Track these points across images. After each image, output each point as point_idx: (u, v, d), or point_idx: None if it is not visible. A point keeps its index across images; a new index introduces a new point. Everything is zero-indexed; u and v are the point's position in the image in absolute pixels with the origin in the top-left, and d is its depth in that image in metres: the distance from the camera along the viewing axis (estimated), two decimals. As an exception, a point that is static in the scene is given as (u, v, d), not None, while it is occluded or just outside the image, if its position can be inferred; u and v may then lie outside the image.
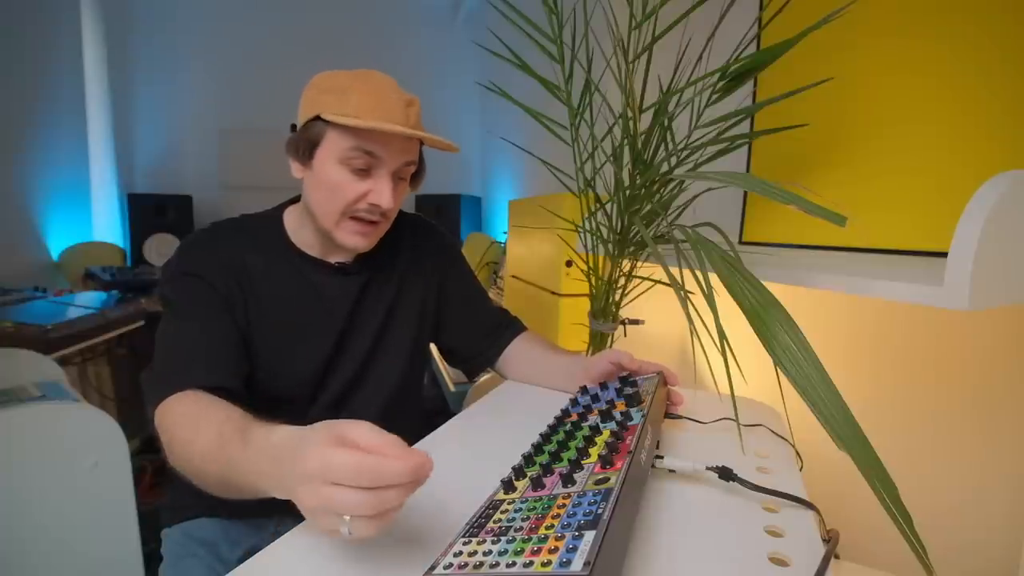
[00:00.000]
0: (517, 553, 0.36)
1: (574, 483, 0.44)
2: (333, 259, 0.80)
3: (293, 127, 0.74)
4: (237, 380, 0.69)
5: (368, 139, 0.69)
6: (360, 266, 0.82)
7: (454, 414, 0.78)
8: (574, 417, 0.62)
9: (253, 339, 0.74)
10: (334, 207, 0.72)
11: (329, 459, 0.37)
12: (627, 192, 1.03)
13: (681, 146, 0.98)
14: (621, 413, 0.58)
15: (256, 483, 0.47)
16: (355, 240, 0.74)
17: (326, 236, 0.75)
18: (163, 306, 0.72)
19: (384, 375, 0.84)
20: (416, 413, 0.91)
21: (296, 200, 0.81)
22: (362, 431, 0.39)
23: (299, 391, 0.78)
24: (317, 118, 0.70)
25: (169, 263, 0.75)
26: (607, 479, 0.43)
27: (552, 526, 0.38)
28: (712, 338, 0.60)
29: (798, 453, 0.67)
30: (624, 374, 0.72)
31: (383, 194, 0.71)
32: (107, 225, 3.66)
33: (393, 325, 0.85)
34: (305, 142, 0.72)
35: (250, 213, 0.83)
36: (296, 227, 0.80)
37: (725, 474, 0.54)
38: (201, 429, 0.55)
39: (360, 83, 0.70)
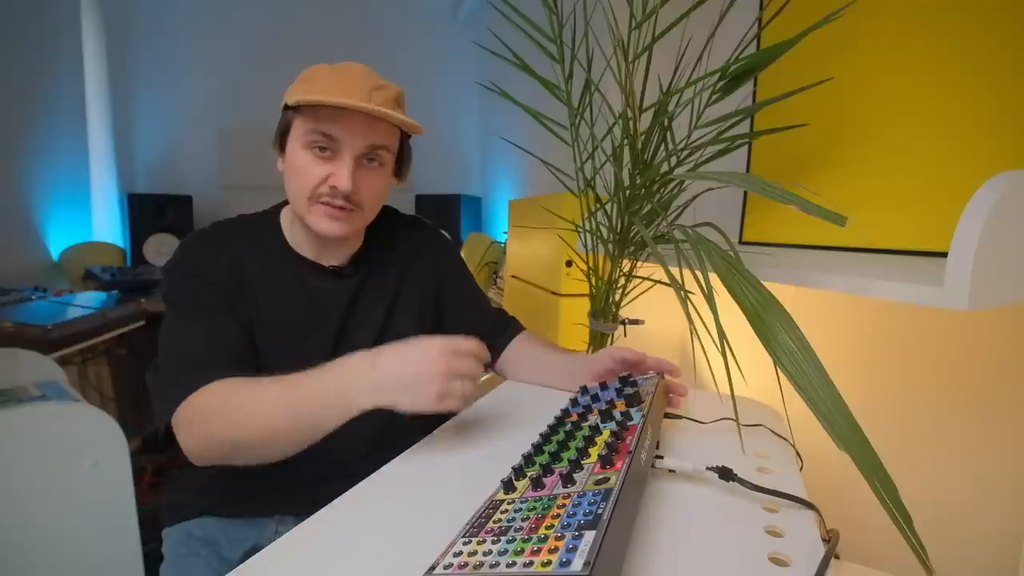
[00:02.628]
0: (517, 553, 0.36)
1: (574, 483, 0.44)
2: (327, 262, 0.80)
3: None
4: (251, 375, 0.69)
5: (326, 120, 0.69)
6: (355, 268, 0.82)
7: (454, 414, 0.78)
8: (574, 417, 0.62)
9: (254, 340, 0.74)
10: (301, 192, 0.73)
11: (455, 342, 0.59)
12: (627, 192, 1.03)
13: (681, 146, 0.98)
14: (621, 413, 0.58)
15: (341, 398, 0.57)
16: (325, 225, 0.73)
17: (306, 226, 0.75)
18: (167, 307, 0.73)
19: None
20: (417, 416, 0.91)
21: None
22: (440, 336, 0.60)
23: None
24: (285, 107, 0.72)
25: (169, 264, 0.75)
26: (607, 479, 0.43)
27: (552, 526, 0.38)
28: (712, 338, 0.60)
29: (798, 453, 0.67)
30: (624, 374, 0.72)
31: (340, 177, 0.70)
32: (107, 225, 3.65)
33: (392, 327, 0.84)
34: (278, 131, 0.74)
35: (247, 213, 0.83)
36: (290, 227, 0.80)
37: (725, 474, 0.54)
38: (258, 390, 0.60)
39: (330, 71, 0.71)
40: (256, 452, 0.61)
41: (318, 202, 0.72)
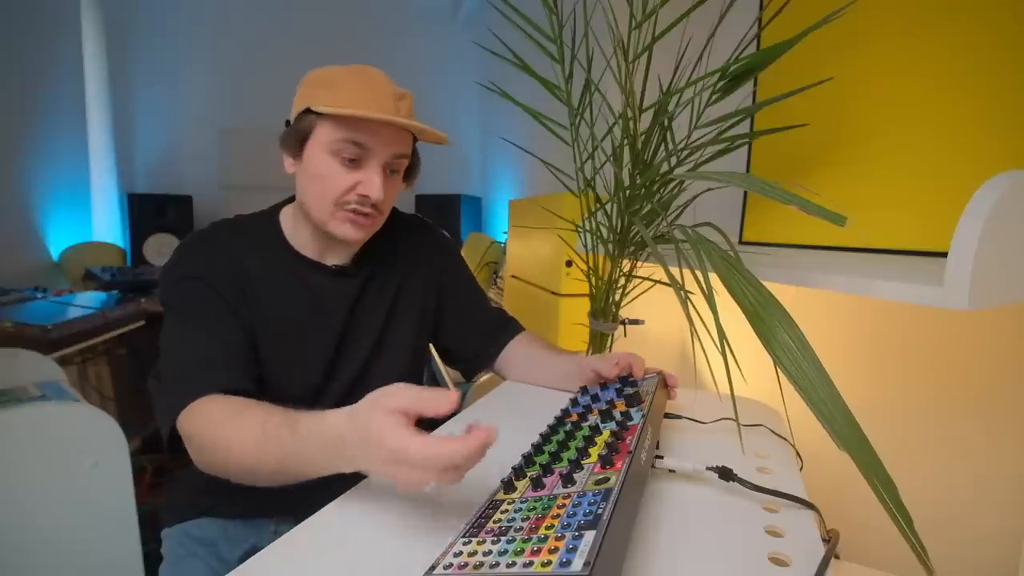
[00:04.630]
0: (517, 553, 0.36)
1: (574, 483, 0.44)
2: (330, 261, 0.80)
3: (287, 123, 0.74)
4: (252, 383, 0.69)
5: (357, 129, 0.69)
6: (358, 268, 0.81)
7: (454, 414, 0.78)
8: (574, 417, 0.62)
9: (255, 342, 0.74)
10: (326, 199, 0.72)
11: (406, 448, 0.42)
12: (627, 192, 1.03)
13: (681, 146, 0.98)
14: (621, 413, 0.58)
15: (315, 466, 0.51)
16: (348, 231, 0.73)
17: (321, 231, 0.75)
18: (167, 311, 0.72)
19: (385, 377, 0.83)
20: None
21: (291, 200, 0.81)
22: (407, 398, 0.45)
23: (301, 393, 0.77)
24: (308, 111, 0.70)
25: (168, 267, 0.74)
26: (607, 479, 0.43)
27: (552, 526, 0.38)
28: (712, 338, 0.60)
29: (798, 453, 0.67)
30: (625, 373, 0.72)
31: (372, 185, 0.71)
32: (107, 225, 3.65)
33: (393, 326, 0.84)
34: (296, 135, 0.73)
35: (245, 214, 0.82)
36: (292, 228, 0.79)
37: (725, 474, 0.54)
38: (243, 428, 0.57)
39: (351, 76, 0.70)
40: (244, 481, 0.58)
41: (344, 209, 0.72)
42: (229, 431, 0.57)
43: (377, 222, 0.77)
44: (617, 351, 0.81)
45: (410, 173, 0.80)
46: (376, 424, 0.44)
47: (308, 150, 0.72)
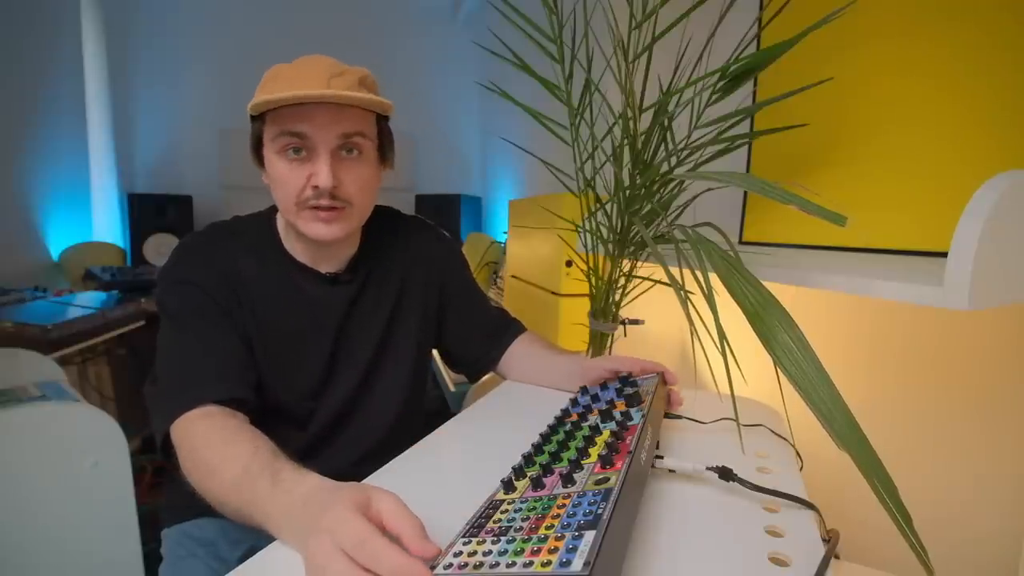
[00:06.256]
0: (517, 553, 0.36)
1: (574, 483, 0.44)
2: (324, 268, 0.78)
3: None
4: (249, 390, 0.68)
5: (292, 119, 0.66)
6: (353, 275, 0.80)
7: (454, 414, 0.78)
8: (574, 417, 0.62)
9: (251, 344, 0.73)
10: (287, 201, 0.70)
11: (343, 521, 0.38)
12: (627, 192, 1.03)
13: (681, 146, 0.98)
14: (621, 413, 0.58)
15: (276, 524, 0.47)
16: (316, 229, 0.70)
17: (299, 233, 0.73)
18: (162, 315, 0.71)
19: (390, 386, 0.83)
20: (420, 418, 0.91)
21: None
22: (388, 503, 0.40)
23: (298, 402, 0.77)
24: (252, 117, 0.69)
25: (165, 270, 0.73)
26: (607, 479, 0.43)
27: (552, 526, 0.38)
28: (712, 338, 0.60)
29: (798, 453, 0.67)
30: (624, 374, 0.72)
31: (320, 174, 0.67)
32: (107, 225, 3.65)
33: (395, 334, 0.83)
34: (252, 144, 0.72)
35: (243, 215, 0.82)
36: (284, 232, 0.79)
37: (725, 474, 0.54)
38: (228, 459, 0.54)
39: (287, 68, 0.68)
40: (214, 506, 0.55)
41: (306, 207, 0.70)
42: (217, 458, 0.55)
43: (350, 215, 0.72)
44: (618, 352, 0.81)
45: (384, 154, 0.77)
46: (343, 497, 0.40)
47: (264, 156, 0.71)
